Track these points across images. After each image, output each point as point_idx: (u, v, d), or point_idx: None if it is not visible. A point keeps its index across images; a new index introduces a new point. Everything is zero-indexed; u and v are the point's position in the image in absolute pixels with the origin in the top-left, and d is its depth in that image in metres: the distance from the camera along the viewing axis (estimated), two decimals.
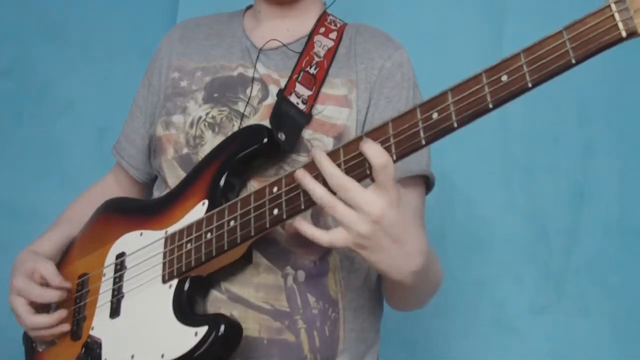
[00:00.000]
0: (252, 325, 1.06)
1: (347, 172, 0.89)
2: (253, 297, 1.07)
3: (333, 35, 1.22)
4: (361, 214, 0.85)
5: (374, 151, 0.84)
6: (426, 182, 1.20)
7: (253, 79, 1.18)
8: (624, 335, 1.73)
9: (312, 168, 0.90)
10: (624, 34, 0.73)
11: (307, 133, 1.12)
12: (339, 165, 0.89)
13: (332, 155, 0.91)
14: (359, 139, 0.88)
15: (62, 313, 1.15)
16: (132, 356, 1.04)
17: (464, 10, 1.88)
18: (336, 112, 1.14)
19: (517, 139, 1.85)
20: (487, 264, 1.81)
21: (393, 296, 1.14)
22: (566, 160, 1.82)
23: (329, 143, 1.12)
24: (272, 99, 1.16)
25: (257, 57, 1.20)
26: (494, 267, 1.80)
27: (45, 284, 1.15)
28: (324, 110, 1.14)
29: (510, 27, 1.85)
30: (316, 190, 0.88)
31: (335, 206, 0.86)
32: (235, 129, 1.15)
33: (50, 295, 1.15)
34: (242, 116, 1.16)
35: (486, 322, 1.79)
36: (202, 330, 0.97)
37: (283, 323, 1.07)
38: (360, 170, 0.88)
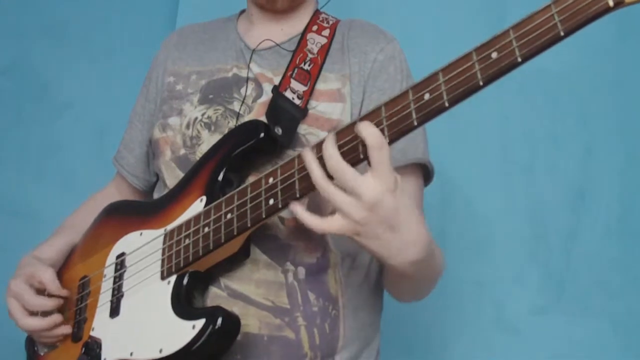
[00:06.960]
0: (253, 322, 1.05)
1: (342, 157, 0.88)
2: (253, 294, 1.07)
3: (326, 32, 1.23)
4: (356, 199, 0.84)
5: (369, 131, 0.83)
6: (424, 173, 1.19)
7: (247, 78, 1.19)
8: (624, 335, 1.72)
9: (319, 149, 0.89)
10: (611, 3, 0.73)
11: (302, 128, 1.12)
12: None
13: None
14: (352, 125, 0.88)
15: (57, 318, 1.15)
16: (131, 354, 1.04)
17: (463, 7, 1.88)
18: (330, 107, 1.14)
19: (517, 139, 1.84)
20: (487, 264, 1.80)
21: (392, 284, 1.14)
22: (566, 161, 1.82)
23: None
24: (266, 97, 1.16)
25: (251, 57, 1.21)
26: (494, 267, 1.80)
27: (42, 289, 1.16)
28: (317, 106, 1.14)
29: (510, 22, 1.84)
30: (315, 171, 0.87)
31: (331, 190, 0.85)
32: (231, 127, 1.16)
33: (45, 304, 1.15)
34: (238, 115, 1.16)
35: (486, 322, 1.79)
36: (200, 323, 0.97)
37: (283, 320, 1.06)
38: (354, 154, 0.88)
